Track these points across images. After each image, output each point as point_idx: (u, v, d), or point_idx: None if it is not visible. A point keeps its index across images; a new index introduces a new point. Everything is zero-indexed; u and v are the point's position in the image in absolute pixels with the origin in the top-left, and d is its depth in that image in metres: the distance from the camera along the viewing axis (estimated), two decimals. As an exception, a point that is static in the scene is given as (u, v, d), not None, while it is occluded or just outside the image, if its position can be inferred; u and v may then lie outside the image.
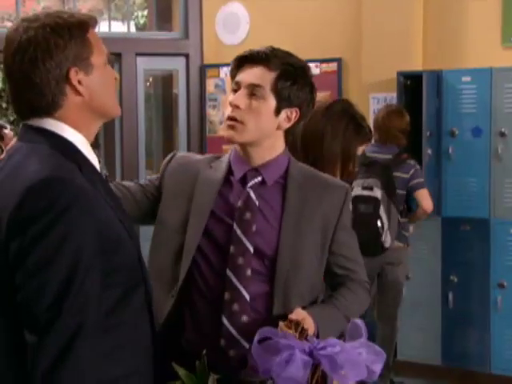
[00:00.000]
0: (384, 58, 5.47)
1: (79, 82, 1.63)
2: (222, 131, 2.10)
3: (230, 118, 2.05)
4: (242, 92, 2.04)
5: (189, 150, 6.55)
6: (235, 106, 2.03)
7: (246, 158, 2.10)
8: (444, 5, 5.49)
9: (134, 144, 6.44)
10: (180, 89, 6.64)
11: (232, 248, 2.04)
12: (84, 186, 1.56)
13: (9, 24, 10.20)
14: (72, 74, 1.62)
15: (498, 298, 4.84)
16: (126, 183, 2.18)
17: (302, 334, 1.82)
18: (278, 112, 2.06)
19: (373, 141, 4.69)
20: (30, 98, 1.63)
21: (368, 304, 2.29)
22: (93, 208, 1.55)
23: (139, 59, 6.36)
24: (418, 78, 5.03)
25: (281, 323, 1.87)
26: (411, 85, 5.14)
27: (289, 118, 2.08)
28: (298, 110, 2.08)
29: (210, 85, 6.44)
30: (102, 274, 1.55)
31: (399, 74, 5.21)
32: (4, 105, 11.21)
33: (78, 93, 1.63)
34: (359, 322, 1.71)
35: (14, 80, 1.64)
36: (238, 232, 2.04)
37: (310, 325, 1.91)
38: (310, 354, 1.64)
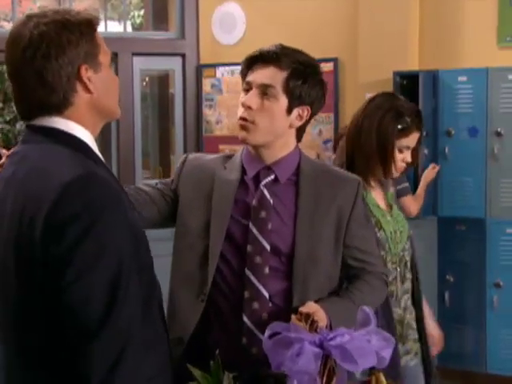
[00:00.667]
0: (380, 57, 5.48)
1: (89, 79, 1.61)
2: (237, 132, 2.09)
3: (243, 119, 2.05)
4: (254, 92, 2.04)
5: (185, 149, 6.55)
6: (247, 107, 2.04)
7: (257, 156, 2.11)
8: (440, 5, 5.49)
9: (130, 144, 6.43)
10: (176, 89, 6.64)
11: (249, 247, 2.04)
12: (113, 182, 1.55)
13: (5, 23, 10.19)
14: (83, 70, 1.60)
15: (494, 298, 4.85)
16: (144, 187, 2.17)
17: (313, 326, 1.82)
18: (289, 111, 2.06)
19: None
20: (40, 95, 1.59)
21: (385, 295, 2.29)
22: (124, 204, 1.53)
23: (135, 59, 6.36)
24: (415, 78, 5.04)
25: (292, 316, 1.89)
26: (407, 85, 5.14)
27: (300, 117, 2.09)
28: (309, 107, 2.08)
29: (207, 85, 6.44)
30: (137, 272, 1.52)
31: (395, 73, 5.22)
32: (0, 104, 11.19)
33: (88, 90, 1.61)
34: (367, 309, 1.70)
35: (22, 77, 1.60)
36: (255, 231, 2.05)
37: (321, 318, 1.91)
38: (321, 345, 1.63)
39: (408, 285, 2.81)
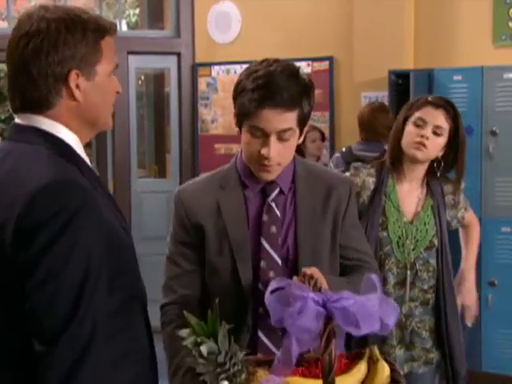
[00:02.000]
0: (375, 56, 5.48)
1: (77, 86, 1.57)
2: (255, 171, 2.04)
3: (265, 166, 2.00)
4: (273, 140, 1.95)
5: (180, 148, 6.54)
6: (273, 157, 1.98)
7: None
8: (435, 4, 5.50)
9: (125, 142, 6.43)
10: (172, 87, 6.63)
11: (263, 263, 2.04)
12: (89, 188, 1.51)
13: (0, 22, 10.16)
14: (72, 76, 1.56)
15: (489, 297, 4.85)
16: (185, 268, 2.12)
17: (316, 286, 1.82)
18: (301, 135, 2.05)
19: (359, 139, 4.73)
20: (23, 87, 1.57)
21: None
22: (99, 210, 1.50)
23: (131, 58, 6.35)
24: (410, 77, 5.04)
25: (295, 277, 1.88)
26: (402, 83, 5.14)
27: (302, 132, 2.06)
28: (308, 120, 2.06)
29: (202, 83, 6.43)
30: (108, 278, 1.50)
31: (391, 72, 5.22)
32: (-5, 103, 11.17)
33: (73, 97, 1.57)
34: (374, 276, 1.70)
35: (11, 65, 1.58)
36: (267, 246, 2.05)
37: (323, 283, 1.90)
38: (323, 306, 1.63)
39: (417, 293, 2.81)
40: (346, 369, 1.80)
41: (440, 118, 2.77)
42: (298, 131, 2.00)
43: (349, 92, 5.75)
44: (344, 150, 4.83)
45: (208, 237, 2.07)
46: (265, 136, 1.95)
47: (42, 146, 1.55)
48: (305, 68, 5.91)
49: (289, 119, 1.95)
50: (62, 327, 1.41)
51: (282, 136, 1.96)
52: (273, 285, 1.73)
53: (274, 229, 2.06)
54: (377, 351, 1.81)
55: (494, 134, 4.86)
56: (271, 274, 2.03)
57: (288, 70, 1.96)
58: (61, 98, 1.57)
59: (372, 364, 1.81)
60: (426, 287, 2.80)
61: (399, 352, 2.81)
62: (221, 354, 1.67)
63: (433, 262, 2.80)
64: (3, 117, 11.06)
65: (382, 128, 4.62)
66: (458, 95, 4.96)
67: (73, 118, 1.59)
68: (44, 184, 1.45)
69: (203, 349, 1.65)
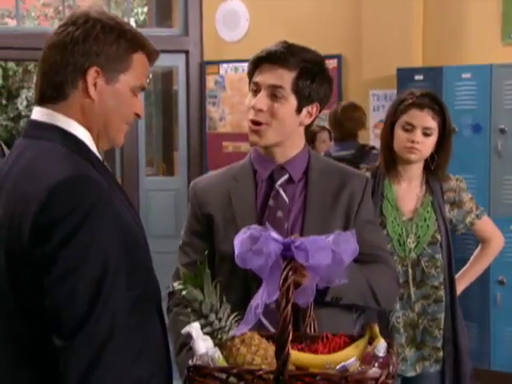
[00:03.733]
0: (384, 54, 5.47)
1: (94, 84, 1.57)
2: (249, 135, 2.08)
3: (254, 122, 2.04)
4: (263, 94, 2.03)
5: (188, 146, 6.55)
6: (258, 110, 2.02)
7: (269, 156, 2.10)
8: (444, 1, 5.49)
9: (133, 140, 6.43)
10: (180, 85, 6.64)
11: None
12: (104, 184, 1.51)
13: (9, 20, 10.20)
14: (92, 71, 1.56)
15: (498, 295, 4.84)
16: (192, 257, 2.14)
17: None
18: (299, 110, 2.06)
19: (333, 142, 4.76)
20: (44, 72, 1.58)
21: (396, 290, 2.28)
22: (114, 206, 1.51)
23: (139, 56, 6.35)
24: (418, 75, 5.03)
25: None
26: (411, 81, 5.14)
27: (310, 114, 2.09)
28: (318, 104, 2.08)
29: (210, 81, 6.44)
30: (125, 274, 1.50)
31: (399, 70, 5.21)
32: (4, 101, 11.21)
33: (87, 93, 1.57)
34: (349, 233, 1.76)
35: (44, 49, 1.59)
36: None
37: None
38: (287, 247, 1.66)
39: (428, 290, 2.80)
40: (345, 346, 1.82)
41: (427, 119, 2.75)
42: (293, 100, 2.02)
43: (357, 90, 5.74)
44: (323, 153, 4.83)
45: (217, 226, 2.09)
46: (259, 92, 2.04)
47: (57, 143, 1.55)
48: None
49: (282, 77, 2.01)
50: (81, 323, 1.41)
51: (273, 92, 2.01)
52: (245, 230, 1.76)
53: (280, 213, 2.06)
54: (376, 329, 1.83)
55: (502, 131, 4.85)
56: None
57: (302, 46, 2.10)
58: (76, 90, 1.57)
59: (372, 342, 1.82)
60: (436, 283, 2.80)
61: (410, 352, 2.80)
62: (205, 304, 1.69)
63: (439, 256, 2.79)
64: (12, 115, 11.10)
65: (351, 125, 4.63)
66: (467, 93, 4.95)
67: (85, 115, 1.59)
68: (60, 180, 1.45)
69: (186, 294, 1.67)
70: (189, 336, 1.67)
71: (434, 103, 2.77)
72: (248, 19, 6.26)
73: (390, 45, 5.46)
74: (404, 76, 5.18)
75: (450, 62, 5.28)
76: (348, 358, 1.74)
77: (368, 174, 2.88)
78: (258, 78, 2.04)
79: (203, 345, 1.66)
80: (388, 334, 2.77)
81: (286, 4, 6.05)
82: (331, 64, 5.92)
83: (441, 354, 2.81)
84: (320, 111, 2.11)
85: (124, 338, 1.46)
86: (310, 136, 5.41)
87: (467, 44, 5.39)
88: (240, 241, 1.75)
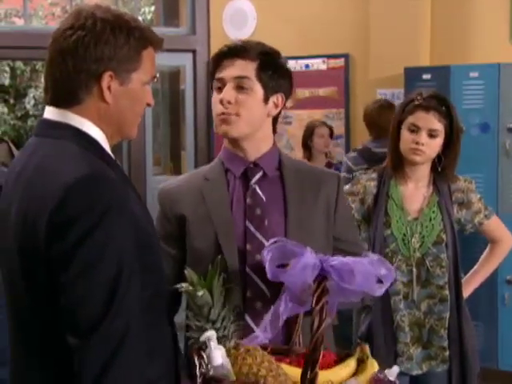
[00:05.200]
0: (392, 53, 5.47)
1: (109, 88, 1.57)
2: (216, 129, 2.10)
3: (223, 114, 2.05)
4: (229, 86, 2.05)
5: (196, 145, 6.55)
6: (227, 102, 2.04)
7: (241, 153, 2.11)
8: (452, 0, 5.47)
9: (140, 140, 6.44)
10: (187, 85, 6.64)
11: (248, 246, 2.04)
12: (120, 183, 1.52)
13: (17, 20, 10.23)
14: (106, 76, 1.56)
15: (506, 294, 4.83)
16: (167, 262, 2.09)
17: None
18: (266, 100, 2.08)
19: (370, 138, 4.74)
20: (56, 78, 1.57)
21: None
22: (129, 205, 1.51)
23: (146, 55, 6.36)
24: (426, 74, 5.02)
25: None
26: (418, 80, 5.13)
27: (276, 105, 2.10)
28: (283, 95, 2.11)
29: (217, 81, 6.43)
30: (140, 273, 1.50)
31: (407, 69, 5.20)
32: (12, 101, 11.24)
33: (103, 98, 1.57)
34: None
35: (50, 54, 1.58)
36: (252, 229, 2.05)
37: None
38: (321, 265, 1.65)
39: (433, 290, 2.80)
40: (335, 364, 1.82)
41: (432, 121, 2.75)
42: (259, 89, 2.05)
43: (364, 89, 5.73)
44: (360, 147, 4.83)
45: (190, 225, 2.08)
46: (224, 86, 2.06)
47: (71, 142, 1.55)
48: (320, 65, 5.90)
49: (246, 68, 2.04)
50: (96, 322, 1.41)
51: (238, 83, 2.04)
52: (269, 244, 1.74)
53: (258, 211, 2.06)
54: (367, 349, 1.83)
55: (510, 130, 4.84)
56: (258, 257, 2.00)
57: (257, 42, 2.11)
58: (91, 95, 1.57)
59: (362, 362, 1.83)
60: (441, 283, 2.80)
61: (416, 351, 2.81)
62: (214, 309, 1.68)
63: (444, 256, 2.79)
64: (20, 114, 11.13)
65: (387, 124, 4.62)
66: (475, 92, 4.94)
67: (100, 118, 1.59)
68: (77, 178, 1.45)
69: (199, 297, 1.66)
70: (203, 344, 1.65)
71: (441, 105, 2.77)
72: (255, 18, 6.26)
73: (397, 44, 5.45)
74: (411, 75, 5.16)
75: (458, 60, 5.27)
76: (341, 376, 1.76)
77: (374, 175, 2.89)
78: (221, 74, 2.07)
79: (219, 355, 1.64)
80: (393, 332, 2.79)
81: (293, 3, 6.05)
82: (338, 63, 5.92)
83: (447, 353, 2.81)
84: (285, 103, 2.13)
85: (138, 338, 1.46)
86: (309, 130, 5.41)
87: (475, 43, 5.38)
88: (271, 254, 1.73)
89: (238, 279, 2.02)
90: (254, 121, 2.07)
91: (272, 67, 2.07)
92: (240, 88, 2.04)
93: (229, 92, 2.04)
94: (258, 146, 2.11)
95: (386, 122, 4.62)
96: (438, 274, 2.79)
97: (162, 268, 1.67)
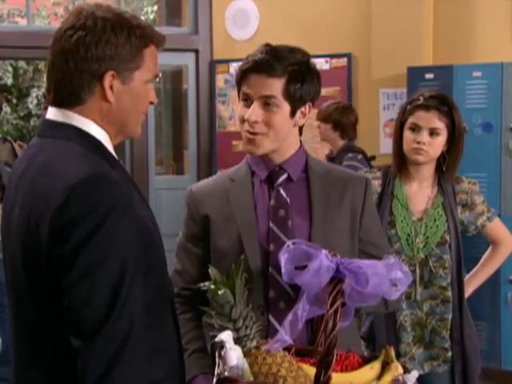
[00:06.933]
0: (394, 53, 5.46)
1: (111, 88, 1.56)
2: (243, 146, 2.08)
3: (250, 133, 2.03)
4: (256, 105, 2.01)
5: (198, 145, 6.55)
6: (253, 122, 2.01)
7: (266, 159, 2.10)
8: (454, 0, 5.47)
9: (143, 139, 6.45)
10: (190, 84, 6.64)
11: (272, 246, 2.04)
12: (123, 184, 1.51)
13: (19, 19, 10.24)
14: (108, 76, 1.55)
15: (509, 294, 4.83)
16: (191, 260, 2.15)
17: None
18: (293, 114, 2.05)
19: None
20: (58, 78, 1.56)
21: (402, 294, 2.28)
22: (132, 205, 1.51)
23: (149, 55, 6.36)
24: (429, 74, 5.02)
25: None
26: (421, 80, 5.12)
27: (303, 114, 2.08)
28: (310, 103, 2.08)
29: (220, 80, 6.44)
30: (143, 273, 1.50)
31: (409, 69, 5.20)
32: (14, 100, 11.25)
33: (105, 97, 1.56)
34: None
35: (52, 54, 1.58)
36: (276, 230, 2.05)
37: None
38: (337, 268, 1.64)
39: (436, 291, 2.80)
40: (359, 366, 1.81)
41: (433, 120, 2.75)
42: (286, 106, 2.02)
43: (367, 88, 5.73)
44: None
45: (214, 224, 2.09)
46: (251, 103, 2.02)
47: (74, 142, 1.55)
48: (323, 65, 5.90)
49: (272, 86, 1.99)
50: (100, 324, 1.41)
51: (265, 102, 2.00)
52: (286, 245, 1.74)
53: (282, 212, 2.06)
54: (392, 352, 1.82)
55: (513, 130, 4.84)
56: None
57: (285, 46, 2.04)
58: (93, 95, 1.57)
59: (386, 365, 1.81)
60: (444, 284, 2.80)
61: (418, 351, 2.81)
62: (236, 308, 1.67)
63: (447, 257, 2.79)
64: (22, 114, 11.14)
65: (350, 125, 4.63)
66: (478, 91, 4.93)
67: (103, 118, 1.59)
68: (79, 179, 1.44)
69: (220, 296, 1.65)
70: (220, 344, 1.64)
71: (442, 104, 2.77)
72: (258, 17, 6.26)
73: (400, 43, 5.45)
74: (414, 75, 5.16)
75: (461, 60, 5.26)
76: (367, 379, 1.74)
77: (379, 173, 2.89)
78: (247, 90, 2.03)
79: (235, 356, 1.63)
80: (395, 332, 2.79)
81: (296, 2, 6.05)
82: (341, 63, 5.91)
83: (449, 354, 2.81)
84: (312, 108, 2.11)
85: (141, 339, 1.46)
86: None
87: (478, 42, 5.37)
88: (288, 256, 1.73)
89: (261, 279, 2.02)
90: (280, 136, 2.05)
91: (300, 79, 2.02)
92: (266, 105, 2.01)
93: (255, 112, 2.01)
94: (283, 153, 2.10)
95: (349, 123, 4.62)
96: (440, 274, 2.79)
97: (164, 268, 1.66)
